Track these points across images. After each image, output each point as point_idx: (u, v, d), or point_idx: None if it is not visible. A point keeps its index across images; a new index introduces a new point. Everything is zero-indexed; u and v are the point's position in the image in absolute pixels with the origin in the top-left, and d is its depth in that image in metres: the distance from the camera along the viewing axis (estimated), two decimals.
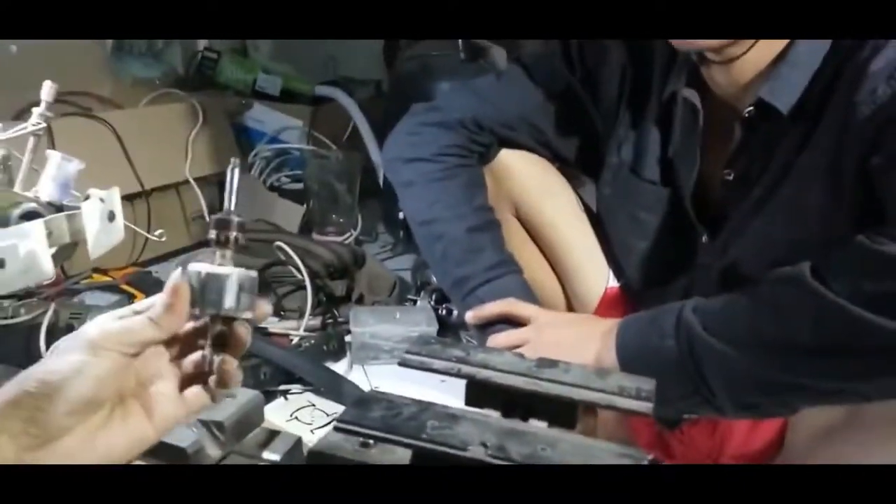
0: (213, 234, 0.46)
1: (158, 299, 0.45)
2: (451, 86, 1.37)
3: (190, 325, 0.47)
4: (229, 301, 0.45)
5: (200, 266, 0.46)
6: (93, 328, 0.43)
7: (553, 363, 0.57)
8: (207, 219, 1.78)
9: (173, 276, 0.45)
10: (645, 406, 0.54)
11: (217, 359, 0.46)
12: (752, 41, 0.70)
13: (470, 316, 0.88)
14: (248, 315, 0.47)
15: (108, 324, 0.43)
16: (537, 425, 0.54)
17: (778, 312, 0.66)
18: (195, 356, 0.47)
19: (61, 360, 0.41)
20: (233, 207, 0.47)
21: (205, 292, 0.45)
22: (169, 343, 0.46)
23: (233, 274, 0.45)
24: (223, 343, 0.47)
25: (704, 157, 0.81)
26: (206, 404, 0.47)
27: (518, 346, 0.80)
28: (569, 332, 0.81)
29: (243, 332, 0.47)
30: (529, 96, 0.96)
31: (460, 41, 1.67)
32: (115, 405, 0.43)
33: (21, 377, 0.41)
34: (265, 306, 0.48)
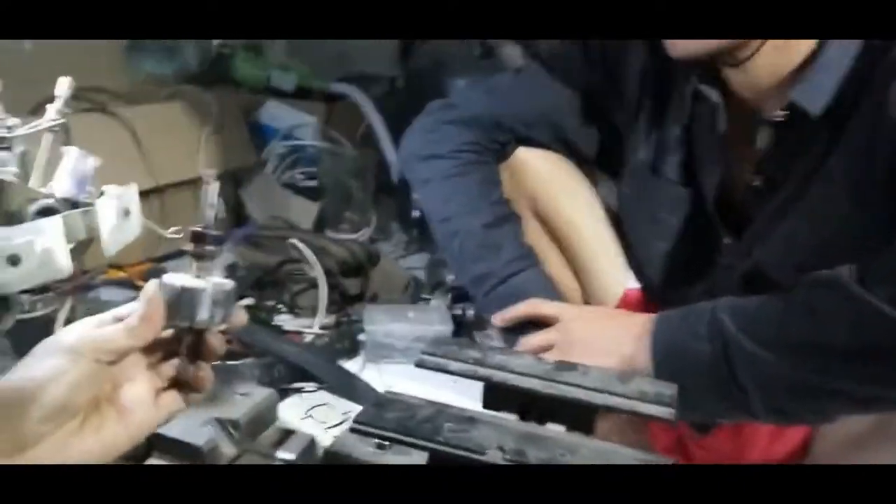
0: (189, 247, 0.47)
1: (135, 310, 0.45)
2: (468, 83, 1.36)
3: (167, 332, 0.48)
4: (202, 314, 0.46)
5: (176, 278, 0.46)
6: (70, 334, 0.43)
7: (572, 366, 0.56)
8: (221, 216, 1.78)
9: (148, 287, 0.45)
10: (666, 412, 0.53)
11: (192, 367, 0.47)
12: (759, 43, 0.69)
13: (496, 321, 0.87)
14: (221, 327, 0.47)
15: (86, 330, 0.43)
16: (555, 429, 0.53)
17: (815, 315, 0.65)
18: (171, 363, 0.47)
19: (37, 365, 0.41)
20: (211, 221, 0.47)
21: (179, 305, 0.46)
22: (145, 349, 0.46)
23: (207, 288, 0.46)
24: (197, 352, 0.47)
25: (727, 156, 0.80)
26: (180, 409, 0.47)
27: (547, 349, 0.78)
28: (599, 332, 0.78)
29: (216, 342, 0.47)
30: (548, 94, 0.95)
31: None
32: (89, 412, 0.43)
33: None
34: (241, 316, 0.48)
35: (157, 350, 0.47)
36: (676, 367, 0.68)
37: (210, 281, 0.46)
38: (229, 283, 0.47)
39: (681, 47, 0.71)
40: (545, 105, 0.95)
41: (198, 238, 0.47)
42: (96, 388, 0.42)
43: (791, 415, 0.70)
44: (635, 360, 0.74)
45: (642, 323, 0.76)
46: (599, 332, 0.78)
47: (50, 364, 0.41)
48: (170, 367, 0.47)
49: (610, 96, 0.91)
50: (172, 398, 0.47)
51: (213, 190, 0.47)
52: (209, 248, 0.47)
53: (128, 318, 0.44)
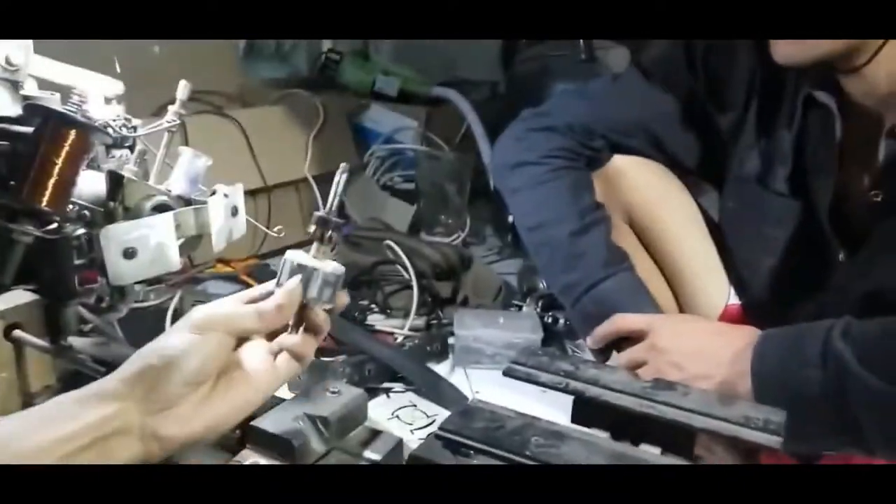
0: (311, 229, 0.51)
1: (272, 297, 0.50)
2: (562, 90, 1.34)
3: None
4: (312, 292, 0.50)
5: (297, 256, 0.50)
6: (205, 312, 0.48)
7: (671, 385, 0.54)
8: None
9: (291, 281, 0.50)
10: (773, 440, 0.50)
11: (298, 338, 0.51)
12: (875, 48, 0.63)
13: (588, 344, 0.85)
14: (327, 307, 0.51)
15: (221, 309, 0.49)
16: (649, 451, 0.51)
17: None
18: (284, 336, 0.52)
19: (178, 337, 0.47)
20: (334, 208, 0.51)
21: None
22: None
23: (321, 268, 0.50)
24: (301, 324, 0.51)
25: (843, 167, 0.74)
26: (296, 372, 0.52)
27: (638, 367, 0.74)
28: (692, 345, 0.73)
29: (321, 319, 0.51)
30: (647, 101, 0.92)
31: (581, 41, 1.62)
32: (219, 378, 0.48)
33: (144, 352, 0.46)
34: (343, 298, 0.53)
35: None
36: (780, 393, 0.62)
37: (326, 263, 0.51)
38: (341, 269, 0.51)
39: (784, 54, 0.66)
40: (641, 112, 0.92)
41: (321, 223, 0.50)
42: (225, 356, 0.48)
43: None
44: (733, 380, 0.69)
45: (743, 337, 0.71)
46: (693, 346, 0.73)
47: (188, 337, 0.47)
48: (282, 337, 0.52)
49: (713, 103, 0.87)
50: (287, 363, 0.51)
51: (342, 181, 0.51)
52: (330, 232, 0.50)
53: (263, 304, 0.49)
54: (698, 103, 0.88)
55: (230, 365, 0.49)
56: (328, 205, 0.51)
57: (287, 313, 0.49)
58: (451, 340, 1.31)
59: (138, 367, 0.45)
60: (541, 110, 0.98)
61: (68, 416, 0.42)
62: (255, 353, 0.50)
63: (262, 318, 0.48)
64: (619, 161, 0.95)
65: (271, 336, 0.51)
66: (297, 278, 0.50)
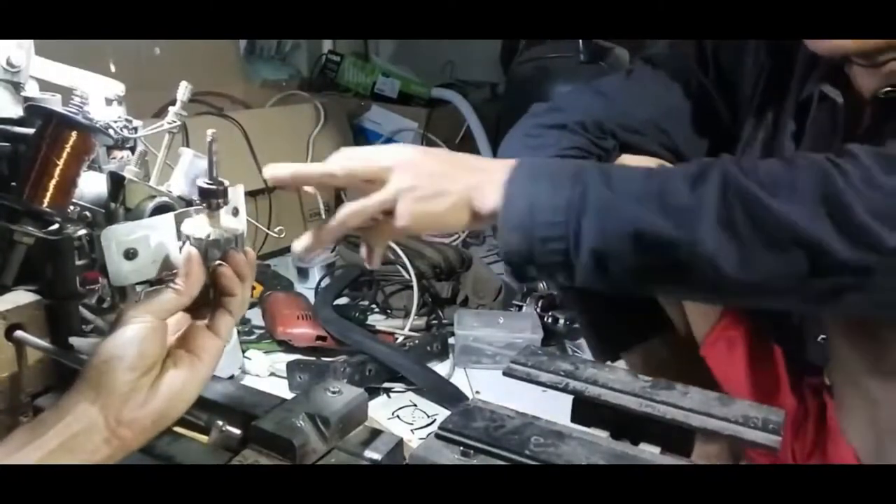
0: (198, 200, 0.54)
1: (179, 271, 0.54)
2: (574, 87, 1.34)
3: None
4: (215, 255, 0.54)
5: (190, 228, 0.54)
6: (134, 306, 0.53)
7: (670, 385, 0.54)
8: (324, 216, 1.85)
9: (184, 249, 0.54)
10: (772, 439, 0.50)
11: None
12: None
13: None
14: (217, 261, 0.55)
15: (148, 300, 0.53)
16: (649, 450, 0.51)
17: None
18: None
19: (117, 333, 0.51)
20: (214, 176, 0.54)
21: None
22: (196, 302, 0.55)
23: (214, 235, 0.54)
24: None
25: None
26: (232, 325, 0.56)
27: (386, 211, 0.66)
28: (437, 165, 0.66)
29: (239, 259, 0.55)
30: (658, 98, 0.91)
31: (581, 42, 1.62)
32: (165, 358, 0.52)
33: (92, 357, 0.50)
34: (251, 254, 0.57)
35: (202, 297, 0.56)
36: (528, 212, 0.57)
37: (221, 228, 0.54)
38: (236, 229, 0.55)
39: (831, 45, 0.66)
40: (654, 109, 0.92)
41: (204, 193, 0.53)
42: (162, 339, 0.52)
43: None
44: (481, 185, 0.61)
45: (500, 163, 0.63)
46: (438, 167, 0.66)
47: (126, 330, 0.51)
48: (207, 307, 0.56)
49: (722, 100, 0.87)
50: (223, 320, 0.55)
51: (214, 148, 0.53)
52: (215, 200, 0.53)
53: (176, 280, 0.53)
54: (708, 99, 0.88)
55: (173, 344, 0.53)
56: (208, 175, 0.53)
57: (197, 276, 0.53)
58: (451, 340, 1.31)
59: (85, 370, 0.49)
60: (552, 106, 0.97)
61: (32, 434, 0.46)
62: (192, 328, 0.54)
63: (180, 292, 0.53)
64: (627, 161, 0.95)
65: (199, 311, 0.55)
66: (188, 245, 0.53)
